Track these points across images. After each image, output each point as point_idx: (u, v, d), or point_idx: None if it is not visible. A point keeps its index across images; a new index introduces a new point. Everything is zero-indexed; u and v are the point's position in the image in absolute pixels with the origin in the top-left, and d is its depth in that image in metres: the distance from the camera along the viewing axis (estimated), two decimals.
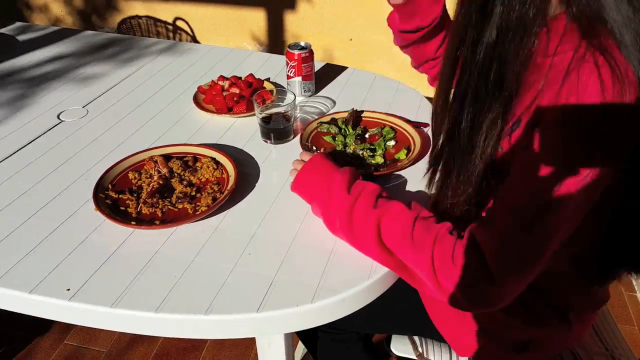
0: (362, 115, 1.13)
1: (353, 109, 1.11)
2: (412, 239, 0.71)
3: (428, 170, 0.79)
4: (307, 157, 0.90)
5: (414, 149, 1.01)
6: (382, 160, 0.98)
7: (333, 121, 1.09)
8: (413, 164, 0.98)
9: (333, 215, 0.79)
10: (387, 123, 1.10)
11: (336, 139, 1.04)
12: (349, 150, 1.01)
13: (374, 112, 1.13)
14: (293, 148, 1.04)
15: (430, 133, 1.09)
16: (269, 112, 1.05)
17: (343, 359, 1.16)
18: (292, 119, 1.06)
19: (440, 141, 0.74)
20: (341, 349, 1.14)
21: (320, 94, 1.27)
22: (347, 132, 1.06)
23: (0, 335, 1.63)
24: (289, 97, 1.06)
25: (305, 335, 1.22)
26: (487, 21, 0.63)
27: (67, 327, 1.64)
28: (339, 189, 0.79)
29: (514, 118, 0.68)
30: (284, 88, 1.25)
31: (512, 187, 0.67)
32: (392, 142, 1.04)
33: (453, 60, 0.70)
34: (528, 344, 0.89)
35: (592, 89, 0.59)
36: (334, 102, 1.22)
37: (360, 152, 1.00)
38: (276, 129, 1.04)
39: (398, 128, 1.09)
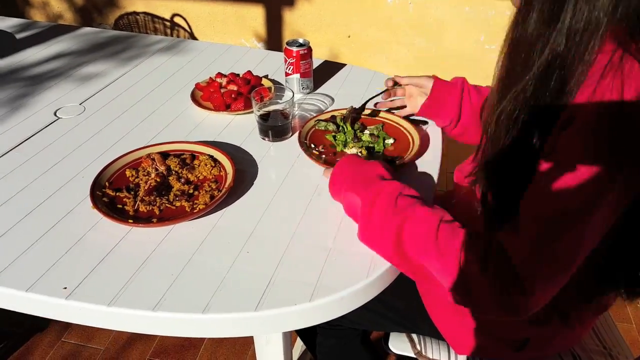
0: (363, 113, 1.12)
1: (352, 106, 1.11)
2: (437, 247, 0.70)
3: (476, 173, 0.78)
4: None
5: (413, 147, 1.01)
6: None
7: (332, 118, 1.08)
8: (413, 160, 0.98)
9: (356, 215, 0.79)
10: (386, 121, 1.10)
11: (337, 138, 1.03)
12: (348, 150, 1.01)
13: (373, 109, 1.13)
14: (291, 145, 1.04)
15: (427, 129, 1.09)
16: (266, 109, 1.04)
17: (341, 355, 1.16)
18: (291, 117, 1.05)
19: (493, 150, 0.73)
20: (339, 345, 1.14)
21: (318, 91, 1.27)
22: (346, 130, 1.05)
23: (0, 332, 1.63)
24: (287, 95, 1.05)
25: (303, 331, 1.22)
26: (554, 28, 0.62)
27: (66, 325, 1.64)
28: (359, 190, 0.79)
29: None
30: (282, 85, 1.25)
31: (541, 193, 0.66)
32: (391, 140, 1.04)
33: (511, 72, 0.68)
34: (527, 343, 0.89)
35: (627, 91, 0.58)
36: (333, 100, 1.22)
37: (359, 152, 0.99)
38: (274, 127, 1.04)
39: (397, 126, 1.08)
